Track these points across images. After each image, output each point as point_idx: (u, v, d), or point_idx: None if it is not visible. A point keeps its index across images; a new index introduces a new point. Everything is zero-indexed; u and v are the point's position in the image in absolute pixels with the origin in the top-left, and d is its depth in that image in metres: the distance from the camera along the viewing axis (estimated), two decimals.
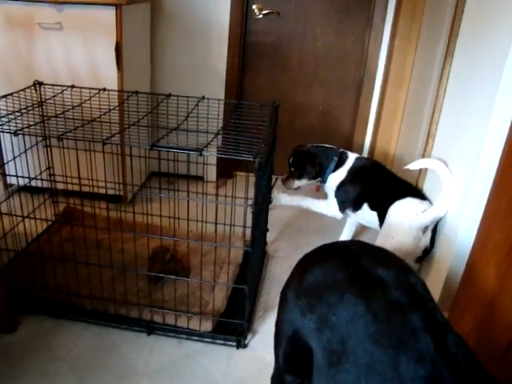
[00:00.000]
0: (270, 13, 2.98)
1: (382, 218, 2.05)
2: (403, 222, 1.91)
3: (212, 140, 1.60)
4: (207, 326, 1.80)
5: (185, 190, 1.81)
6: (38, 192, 2.54)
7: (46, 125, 1.74)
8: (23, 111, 1.82)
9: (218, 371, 1.70)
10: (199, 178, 3.01)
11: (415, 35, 2.65)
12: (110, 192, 2.44)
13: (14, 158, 1.95)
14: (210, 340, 1.82)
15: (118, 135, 1.61)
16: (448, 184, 1.80)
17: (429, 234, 1.91)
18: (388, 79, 2.83)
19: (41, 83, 2.13)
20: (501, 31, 1.55)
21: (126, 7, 2.39)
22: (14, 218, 1.92)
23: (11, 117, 1.73)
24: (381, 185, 2.16)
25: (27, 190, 2.49)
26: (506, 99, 1.51)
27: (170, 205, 2.09)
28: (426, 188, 2.14)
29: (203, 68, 3.05)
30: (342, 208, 2.26)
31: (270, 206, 2.31)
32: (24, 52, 2.47)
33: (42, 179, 2.17)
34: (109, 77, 2.46)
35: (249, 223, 1.65)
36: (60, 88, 2.07)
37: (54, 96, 2.03)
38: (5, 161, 2.39)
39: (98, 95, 2.03)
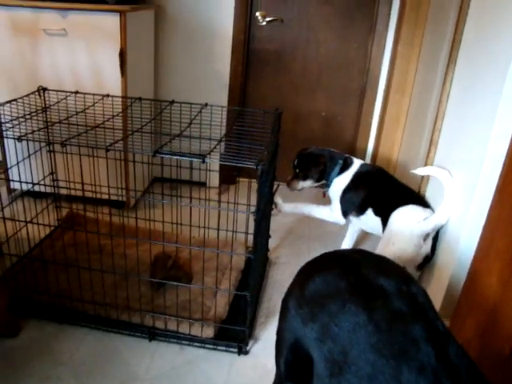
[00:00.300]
0: (273, 20, 2.99)
1: (385, 223, 2.05)
2: (405, 229, 1.91)
3: (215, 147, 1.60)
4: (209, 332, 1.80)
5: (187, 196, 1.81)
6: (41, 197, 2.55)
7: (49, 131, 1.75)
8: (27, 117, 1.83)
9: (219, 378, 1.70)
10: (202, 184, 3.02)
11: (418, 41, 2.65)
12: (113, 198, 2.45)
13: (18, 163, 1.96)
14: (211, 346, 1.82)
15: (121, 141, 1.62)
16: (450, 192, 1.80)
17: (430, 242, 1.90)
18: (391, 85, 2.83)
19: (45, 89, 2.15)
20: (504, 37, 1.55)
21: (130, 14, 2.40)
22: (17, 222, 1.93)
23: (15, 122, 1.74)
24: (385, 191, 2.16)
25: (30, 195, 2.50)
26: (509, 105, 1.51)
27: (173, 211, 2.10)
28: (429, 194, 2.14)
29: (206, 74, 3.06)
30: (346, 213, 2.26)
31: (273, 212, 2.31)
32: (28, 58, 2.49)
33: (45, 184, 2.18)
34: (112, 83, 2.48)
35: (251, 230, 1.65)
36: (64, 94, 2.08)
37: (58, 102, 2.04)
38: (8, 166, 2.40)
39: (101, 101, 2.04)
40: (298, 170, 2.31)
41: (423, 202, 2.04)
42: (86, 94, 2.07)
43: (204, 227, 2.16)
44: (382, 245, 1.98)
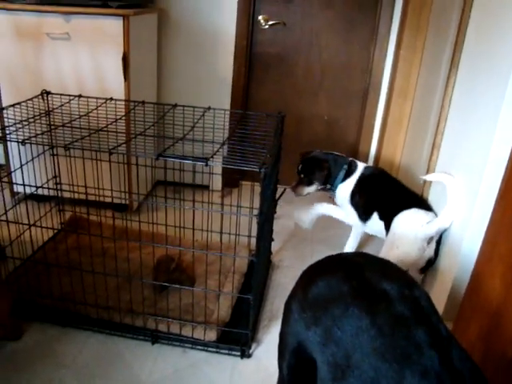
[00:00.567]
0: (275, 23, 2.99)
1: (388, 227, 2.05)
2: (408, 233, 1.91)
3: (218, 150, 1.60)
4: (212, 335, 1.80)
5: (190, 199, 1.82)
6: (45, 200, 2.55)
7: (53, 134, 1.76)
8: (31, 120, 1.84)
9: (222, 381, 1.70)
10: (205, 187, 3.02)
11: (420, 45, 2.66)
12: (116, 201, 2.46)
13: (21, 166, 1.96)
14: (214, 349, 1.82)
15: (124, 145, 1.62)
16: (454, 196, 1.80)
17: (433, 245, 1.90)
18: (393, 89, 2.83)
19: (48, 92, 2.15)
20: (507, 40, 1.56)
21: (134, 18, 2.41)
22: (21, 225, 1.93)
23: (19, 126, 1.75)
24: (390, 194, 2.16)
25: (34, 198, 2.51)
26: (511, 109, 1.51)
27: (176, 214, 2.10)
28: (432, 198, 2.14)
29: (209, 78, 3.07)
30: (362, 215, 2.26)
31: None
32: (32, 61, 2.50)
33: (48, 188, 2.19)
34: (116, 86, 2.48)
35: (254, 233, 1.66)
36: (67, 97, 2.08)
37: (62, 105, 2.05)
38: (12, 169, 2.41)
39: (104, 105, 2.05)
40: (302, 176, 2.30)
41: (426, 206, 2.04)
42: (89, 97, 2.07)
43: (207, 230, 2.16)
44: (386, 248, 1.98)
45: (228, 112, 2.09)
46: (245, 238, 2.17)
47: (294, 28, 3.02)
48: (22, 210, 1.95)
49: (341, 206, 2.31)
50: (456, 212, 1.80)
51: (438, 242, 1.92)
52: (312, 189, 2.30)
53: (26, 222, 1.93)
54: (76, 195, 2.15)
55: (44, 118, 1.98)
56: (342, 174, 2.24)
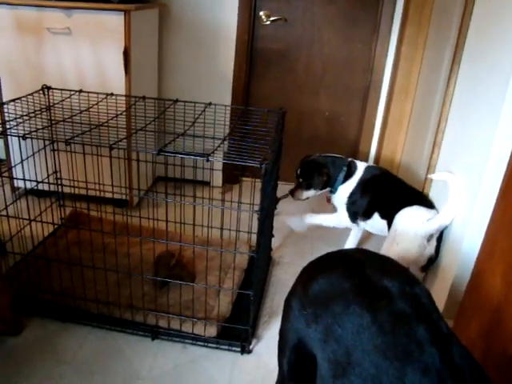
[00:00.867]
0: (277, 19, 2.99)
1: (390, 225, 2.04)
2: (409, 230, 1.91)
3: (219, 145, 1.60)
4: (212, 331, 1.80)
5: (191, 195, 1.82)
6: (45, 195, 2.55)
7: (53, 129, 1.75)
8: (31, 115, 1.84)
9: (222, 377, 1.70)
10: (205, 184, 3.02)
11: (422, 42, 2.65)
12: (117, 196, 2.45)
13: (22, 161, 1.96)
14: (214, 345, 1.82)
15: (125, 140, 1.62)
16: (455, 193, 1.80)
17: (434, 243, 1.90)
18: (394, 86, 2.83)
19: (49, 87, 2.15)
20: (508, 39, 1.55)
21: (135, 13, 2.40)
22: (21, 220, 1.93)
23: (19, 121, 1.74)
24: (390, 194, 2.15)
25: (34, 193, 2.51)
26: None
27: (176, 210, 2.10)
28: (432, 194, 2.14)
29: (210, 73, 3.06)
30: (354, 218, 2.26)
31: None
32: (33, 56, 2.49)
33: (48, 183, 2.18)
34: (116, 82, 2.48)
35: (254, 229, 1.65)
36: (68, 92, 2.08)
37: (62, 100, 2.04)
38: (12, 164, 2.41)
39: (105, 100, 2.04)
40: (301, 180, 2.29)
41: (428, 203, 2.03)
42: (89, 92, 2.07)
43: (207, 226, 2.16)
44: (387, 244, 1.99)
45: (229, 108, 2.08)
46: (245, 234, 2.17)
47: (295, 24, 3.01)
48: (23, 204, 1.95)
49: (337, 207, 2.31)
50: (457, 209, 1.80)
51: (439, 240, 1.92)
52: (311, 193, 2.29)
53: (27, 217, 1.93)
54: (76, 190, 2.15)
55: (45, 113, 1.98)
56: (341, 176, 2.22)
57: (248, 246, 2.35)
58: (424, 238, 1.88)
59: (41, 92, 2.11)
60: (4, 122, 1.74)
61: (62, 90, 2.10)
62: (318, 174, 2.23)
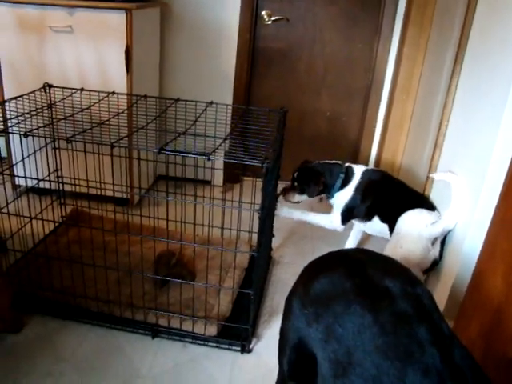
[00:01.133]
0: (279, 19, 2.99)
1: (392, 228, 2.04)
2: (412, 232, 1.90)
3: (220, 145, 1.60)
4: (212, 330, 1.80)
5: (192, 194, 1.82)
6: (46, 193, 2.55)
7: (54, 127, 1.76)
8: (33, 113, 1.84)
9: (222, 376, 1.70)
10: (206, 183, 3.02)
11: (424, 43, 2.65)
12: (118, 195, 2.45)
13: (23, 159, 1.96)
14: (214, 344, 1.83)
15: (126, 138, 1.62)
16: (459, 197, 1.79)
17: (438, 246, 1.89)
18: (396, 86, 2.82)
19: (50, 86, 2.15)
20: (511, 40, 1.55)
21: (136, 11, 2.40)
22: (22, 218, 1.93)
23: (21, 118, 1.74)
24: (391, 197, 2.13)
25: (35, 191, 2.50)
26: None
27: (177, 208, 2.10)
28: (433, 195, 2.14)
29: (212, 73, 3.06)
30: (346, 221, 2.25)
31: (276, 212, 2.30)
32: (35, 54, 2.49)
33: (49, 181, 2.18)
34: (118, 80, 2.48)
35: (255, 228, 1.65)
36: (69, 91, 2.08)
37: (64, 99, 2.04)
38: (13, 162, 2.41)
39: (106, 98, 2.04)
40: (296, 183, 2.27)
41: (429, 205, 2.03)
42: (91, 91, 2.07)
43: (208, 225, 2.16)
44: (390, 247, 1.98)
45: (230, 107, 2.08)
46: (246, 233, 2.17)
47: (297, 24, 3.01)
48: (24, 202, 1.95)
49: (333, 208, 2.29)
50: (460, 213, 1.79)
51: (443, 243, 1.91)
52: (302, 198, 2.27)
53: (28, 215, 1.93)
54: (77, 188, 2.15)
55: (46, 111, 1.98)
56: (338, 183, 2.20)
57: (248, 246, 2.35)
58: (428, 240, 1.87)
59: (42, 90, 2.12)
60: (6, 120, 1.75)
61: (63, 88, 2.10)
62: (315, 184, 2.20)
